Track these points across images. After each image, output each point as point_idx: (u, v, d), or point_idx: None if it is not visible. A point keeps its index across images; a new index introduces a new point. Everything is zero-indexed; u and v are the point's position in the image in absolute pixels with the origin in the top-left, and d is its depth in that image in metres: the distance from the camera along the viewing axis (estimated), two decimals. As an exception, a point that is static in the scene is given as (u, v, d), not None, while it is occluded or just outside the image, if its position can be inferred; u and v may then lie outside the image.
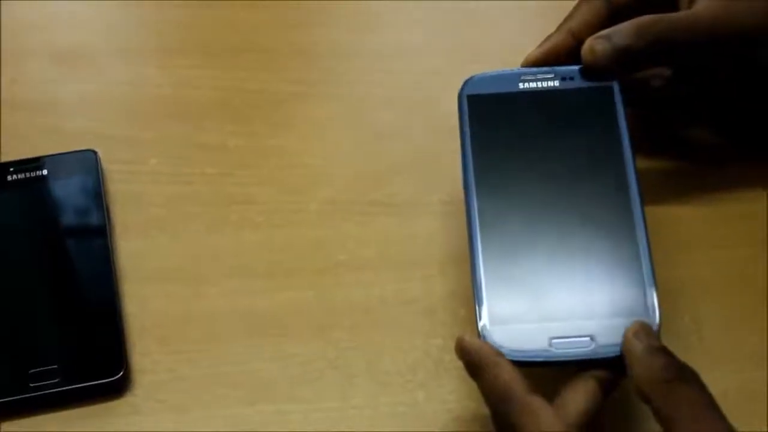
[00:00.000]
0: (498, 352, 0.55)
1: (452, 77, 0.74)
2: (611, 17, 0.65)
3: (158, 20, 0.78)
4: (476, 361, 0.55)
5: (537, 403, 0.53)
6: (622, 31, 0.62)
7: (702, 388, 0.53)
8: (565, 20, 0.66)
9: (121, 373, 0.61)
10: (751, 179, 0.69)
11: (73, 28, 0.77)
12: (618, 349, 0.55)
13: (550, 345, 0.56)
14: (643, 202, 0.60)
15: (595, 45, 0.62)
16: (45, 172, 0.68)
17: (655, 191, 0.67)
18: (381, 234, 0.68)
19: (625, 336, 0.55)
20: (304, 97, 0.74)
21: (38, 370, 0.61)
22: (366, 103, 0.74)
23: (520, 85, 0.63)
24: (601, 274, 0.58)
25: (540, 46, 0.65)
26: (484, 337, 0.56)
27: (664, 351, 0.54)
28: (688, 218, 0.68)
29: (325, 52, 0.77)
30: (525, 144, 0.62)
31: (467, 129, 0.62)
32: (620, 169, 0.61)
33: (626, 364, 0.54)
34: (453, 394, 0.62)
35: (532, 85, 0.63)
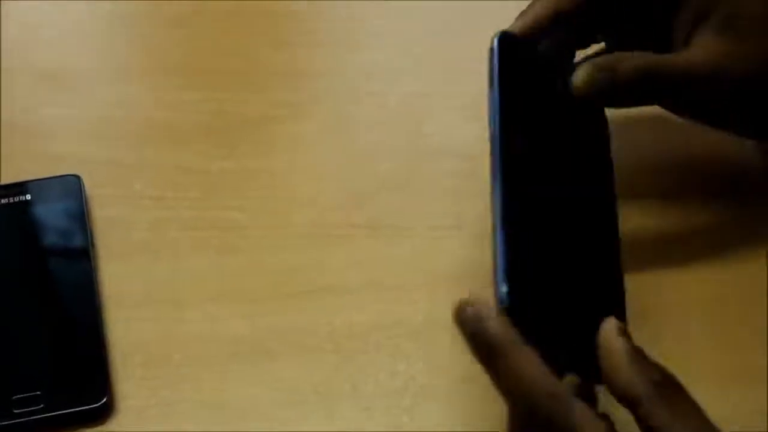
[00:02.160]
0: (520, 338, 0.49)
1: (437, 98, 0.75)
2: (594, 6, 0.64)
3: (142, 43, 0.78)
4: (495, 343, 0.49)
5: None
6: (627, 68, 0.61)
7: (688, 394, 0.51)
8: None
9: (105, 399, 0.61)
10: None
11: (56, 50, 0.77)
12: None
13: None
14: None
15: (596, 78, 0.61)
16: (28, 197, 0.68)
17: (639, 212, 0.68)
18: (365, 257, 0.68)
19: (603, 335, 0.51)
20: (288, 119, 0.74)
21: (22, 396, 0.61)
22: (350, 125, 0.74)
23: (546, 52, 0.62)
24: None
25: (521, 17, 0.64)
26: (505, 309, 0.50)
27: (645, 354, 0.51)
28: (674, 240, 0.69)
29: (309, 73, 0.77)
30: (551, 94, 0.60)
31: (497, 81, 0.59)
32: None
33: (603, 365, 0.51)
34: (439, 418, 0.62)
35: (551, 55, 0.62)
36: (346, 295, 0.66)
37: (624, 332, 0.52)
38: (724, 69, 0.62)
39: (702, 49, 0.63)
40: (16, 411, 0.60)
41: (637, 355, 0.51)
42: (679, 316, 0.65)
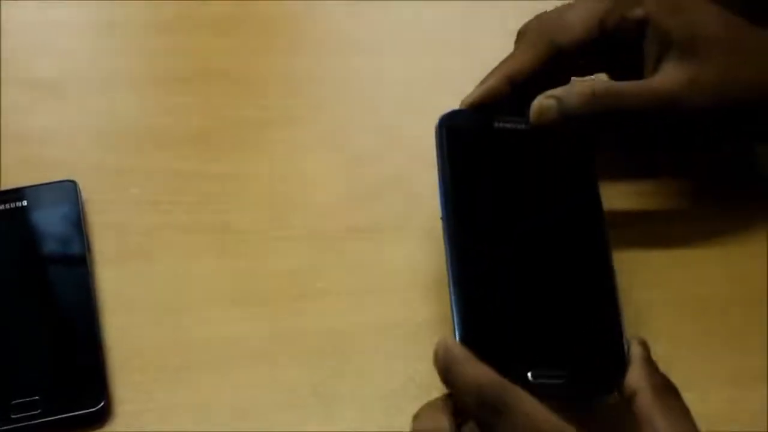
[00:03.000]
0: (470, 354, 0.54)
1: (431, 103, 0.74)
2: (555, 63, 0.65)
3: (137, 49, 0.79)
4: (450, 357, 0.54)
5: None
6: (573, 95, 0.62)
7: (684, 403, 0.55)
8: (504, 61, 0.66)
9: (102, 403, 0.61)
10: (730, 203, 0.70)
11: (51, 57, 0.77)
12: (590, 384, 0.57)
13: (528, 379, 0.56)
14: (610, 241, 0.62)
15: (544, 106, 0.63)
16: (25, 203, 0.68)
17: (636, 214, 0.68)
18: (361, 260, 0.68)
19: (631, 341, 0.57)
20: (284, 123, 0.74)
21: (20, 401, 0.61)
22: (344, 130, 0.74)
23: (495, 124, 0.64)
24: (575, 310, 0.59)
25: (477, 87, 0.65)
26: None
27: (656, 364, 0.57)
28: (666, 241, 0.69)
29: (303, 78, 0.77)
30: (500, 178, 0.63)
31: (445, 160, 0.63)
32: (591, 209, 0.63)
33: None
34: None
35: (507, 125, 0.64)
36: (344, 297, 0.66)
37: (643, 344, 0.58)
38: (683, 98, 0.63)
39: (664, 77, 0.63)
40: (14, 416, 0.60)
41: (652, 363, 0.57)
42: (679, 317, 0.65)
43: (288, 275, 0.67)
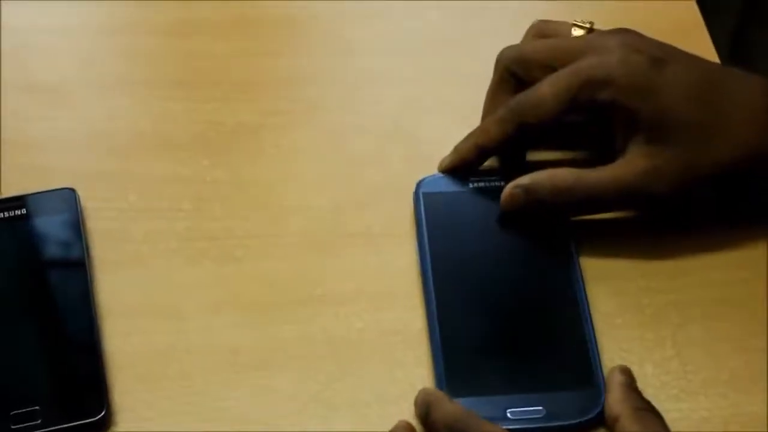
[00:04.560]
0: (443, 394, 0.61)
1: (430, 105, 0.74)
2: (524, 136, 0.68)
3: (134, 55, 0.78)
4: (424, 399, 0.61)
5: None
6: (538, 184, 0.66)
7: (667, 426, 0.58)
8: (476, 132, 0.69)
9: (103, 412, 0.61)
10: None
11: (48, 64, 0.77)
12: (567, 418, 0.61)
13: (506, 415, 0.60)
14: (584, 282, 0.65)
15: (513, 194, 0.67)
16: (24, 211, 0.68)
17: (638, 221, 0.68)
18: (360, 265, 0.68)
19: (609, 372, 0.61)
20: (280, 128, 0.74)
21: (19, 411, 0.60)
22: (342, 133, 0.74)
23: (470, 184, 0.69)
24: (550, 350, 0.64)
25: (450, 155, 0.70)
26: None
27: (639, 391, 0.60)
28: (673, 244, 0.69)
29: (302, 82, 0.77)
30: (476, 234, 0.68)
31: (422, 224, 0.68)
32: (564, 256, 0.67)
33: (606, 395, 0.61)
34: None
35: (481, 184, 0.69)
36: (344, 303, 0.66)
37: (631, 374, 0.61)
38: (646, 187, 0.65)
39: (628, 165, 0.65)
40: (14, 427, 0.60)
41: (634, 388, 0.60)
42: (679, 318, 0.65)
43: (288, 281, 0.67)
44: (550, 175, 0.66)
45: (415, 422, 0.61)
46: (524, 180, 0.66)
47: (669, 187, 0.65)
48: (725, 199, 0.69)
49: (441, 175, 0.70)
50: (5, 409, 0.61)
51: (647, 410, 0.59)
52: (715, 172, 0.65)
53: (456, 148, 0.70)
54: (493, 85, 0.70)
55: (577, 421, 0.60)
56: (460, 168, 0.69)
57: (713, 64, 0.69)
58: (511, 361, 0.63)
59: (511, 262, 0.67)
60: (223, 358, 0.64)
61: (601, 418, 0.60)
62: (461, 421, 0.59)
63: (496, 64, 0.70)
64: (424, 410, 0.60)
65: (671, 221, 0.68)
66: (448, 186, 0.70)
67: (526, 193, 0.66)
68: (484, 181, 0.69)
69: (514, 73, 0.69)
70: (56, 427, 0.60)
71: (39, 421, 0.60)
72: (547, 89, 0.66)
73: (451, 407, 0.59)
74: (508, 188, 0.67)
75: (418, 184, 0.69)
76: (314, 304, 0.66)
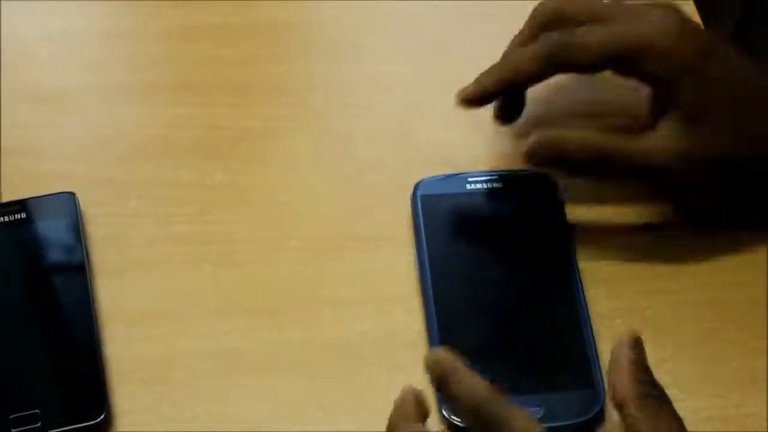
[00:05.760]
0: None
1: (432, 110, 0.74)
2: (550, 74, 0.67)
3: (135, 60, 0.78)
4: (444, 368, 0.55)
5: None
6: (568, 143, 0.65)
7: (676, 413, 0.54)
8: (507, 64, 0.68)
9: (103, 416, 0.61)
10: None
11: (49, 69, 0.77)
12: (566, 419, 0.60)
13: None
14: (583, 284, 0.65)
15: (540, 142, 0.65)
16: (24, 215, 0.68)
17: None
18: (361, 269, 0.68)
19: (617, 343, 0.56)
20: (282, 133, 0.74)
21: (19, 414, 0.61)
22: (344, 138, 0.74)
23: (468, 186, 0.69)
24: (548, 351, 0.64)
25: (472, 84, 0.68)
26: (442, 413, 0.61)
27: (648, 369, 0.55)
28: (672, 246, 0.69)
29: (302, 86, 0.77)
30: (474, 236, 0.68)
31: (420, 227, 0.67)
32: (562, 258, 0.67)
33: (609, 371, 0.56)
34: (438, 427, 0.62)
35: (478, 186, 0.69)
36: (345, 307, 0.66)
37: (635, 345, 0.56)
38: (675, 166, 0.64)
39: (661, 140, 0.64)
40: (14, 430, 0.60)
41: (638, 366, 0.55)
42: (679, 320, 0.65)
43: (289, 285, 0.67)
44: (582, 133, 0.66)
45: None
46: (553, 135, 0.66)
47: (701, 167, 0.64)
48: (740, 197, 0.68)
49: (439, 177, 0.70)
50: (5, 412, 0.61)
51: (655, 395, 0.54)
52: (748, 161, 0.64)
53: (478, 80, 0.68)
54: (521, 36, 0.69)
55: (576, 421, 0.60)
56: (480, 100, 0.68)
57: (752, 59, 0.67)
58: (509, 362, 0.63)
59: (510, 264, 0.67)
60: (224, 363, 0.64)
61: (600, 419, 0.60)
62: (487, 404, 0.52)
63: (531, 17, 0.69)
64: (439, 381, 0.55)
65: (673, 214, 0.69)
66: (446, 188, 0.69)
67: (552, 145, 0.65)
68: (482, 183, 0.69)
69: (547, 29, 0.67)
70: (56, 431, 0.60)
71: (39, 424, 0.60)
72: (593, 39, 0.65)
73: (473, 384, 0.53)
74: (534, 137, 0.65)
75: (416, 187, 0.69)
76: (314, 307, 0.66)
